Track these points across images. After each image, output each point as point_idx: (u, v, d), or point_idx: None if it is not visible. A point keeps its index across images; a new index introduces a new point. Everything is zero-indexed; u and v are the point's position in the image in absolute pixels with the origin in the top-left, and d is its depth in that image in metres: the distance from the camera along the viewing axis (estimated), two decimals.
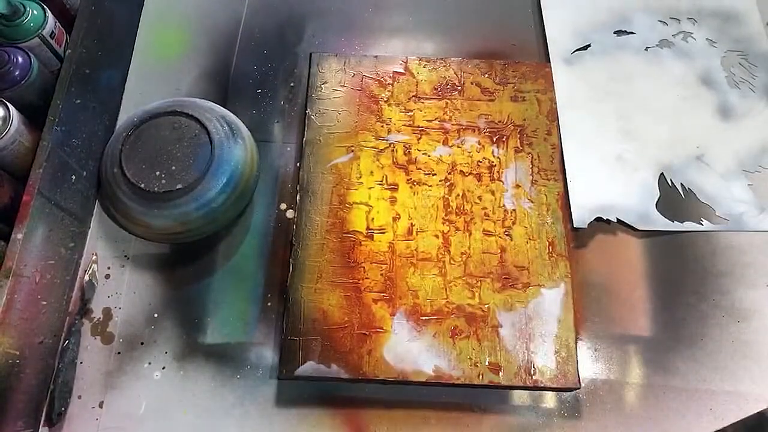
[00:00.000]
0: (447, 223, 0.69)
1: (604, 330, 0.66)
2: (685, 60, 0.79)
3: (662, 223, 0.70)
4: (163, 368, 0.64)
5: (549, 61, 0.79)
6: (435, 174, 0.71)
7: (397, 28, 0.82)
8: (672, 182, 0.72)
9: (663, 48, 0.80)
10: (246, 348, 0.65)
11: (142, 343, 0.65)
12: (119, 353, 0.65)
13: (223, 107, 0.73)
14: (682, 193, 0.71)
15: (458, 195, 0.70)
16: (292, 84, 0.78)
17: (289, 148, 0.74)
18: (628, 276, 0.68)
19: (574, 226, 0.70)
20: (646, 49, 0.80)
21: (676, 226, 0.70)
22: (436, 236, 0.68)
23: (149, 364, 0.64)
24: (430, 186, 0.71)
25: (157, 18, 0.82)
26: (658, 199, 0.71)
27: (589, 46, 0.80)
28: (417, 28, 0.82)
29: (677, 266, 0.69)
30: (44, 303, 0.61)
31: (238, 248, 0.70)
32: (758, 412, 0.59)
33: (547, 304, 0.65)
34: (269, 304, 0.67)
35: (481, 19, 0.82)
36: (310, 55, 0.77)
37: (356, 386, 0.63)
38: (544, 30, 0.81)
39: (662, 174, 0.72)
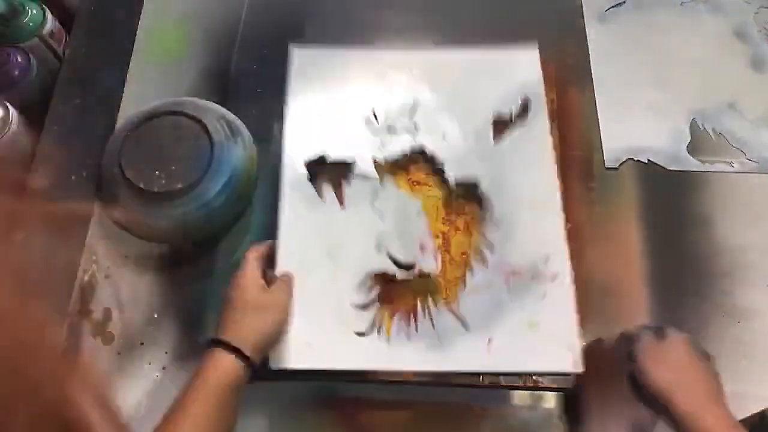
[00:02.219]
0: (447, 223, 0.69)
1: (604, 330, 0.66)
2: (719, 14, 0.81)
3: (692, 164, 0.73)
4: (164, 368, 0.64)
5: (551, 59, 0.79)
6: (435, 174, 0.71)
7: (397, 28, 0.82)
8: (703, 127, 0.74)
9: (698, 3, 0.82)
10: None
11: (142, 343, 0.65)
12: (119, 353, 0.65)
13: (223, 107, 0.73)
14: (713, 137, 0.74)
15: (458, 195, 0.70)
16: None
17: None
18: (628, 276, 0.68)
19: (606, 166, 0.73)
20: (682, 4, 0.82)
21: (706, 167, 0.73)
22: (437, 236, 0.68)
23: (149, 364, 0.64)
24: (430, 186, 0.71)
25: (157, 18, 0.82)
26: (689, 143, 0.74)
27: (624, 2, 0.82)
28: (417, 27, 0.82)
29: (677, 266, 0.69)
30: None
31: (238, 248, 0.70)
32: (758, 412, 0.59)
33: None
34: None
35: (481, 19, 0.82)
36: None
37: (356, 386, 0.63)
38: (543, 30, 0.81)
39: (694, 119, 0.75)
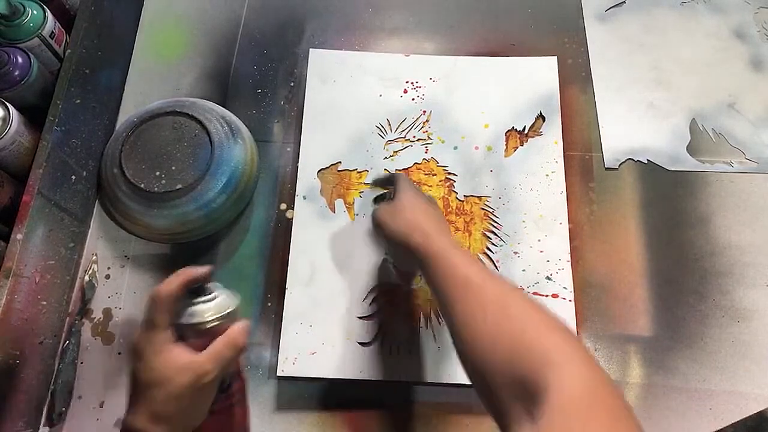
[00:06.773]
0: (447, 223, 0.69)
1: (604, 330, 0.66)
2: (719, 14, 0.81)
3: (692, 164, 0.73)
4: None
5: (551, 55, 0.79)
6: (435, 174, 0.71)
7: (397, 28, 0.82)
8: (703, 127, 0.74)
9: (698, 3, 0.82)
10: (246, 348, 0.65)
11: None
12: (119, 353, 0.65)
13: (223, 107, 0.73)
14: (712, 137, 0.74)
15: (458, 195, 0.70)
16: (292, 84, 0.78)
17: (289, 148, 0.74)
18: (628, 276, 0.68)
19: (606, 166, 0.72)
20: (682, 3, 0.82)
21: (705, 167, 0.73)
22: None
23: None
24: (430, 186, 0.71)
25: (157, 18, 0.82)
26: (689, 143, 0.74)
27: (624, 2, 0.82)
28: (417, 27, 0.82)
29: (677, 266, 0.69)
30: (44, 303, 0.61)
31: (238, 248, 0.70)
32: (758, 412, 0.59)
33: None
34: (269, 304, 0.67)
35: (481, 19, 0.82)
36: (309, 51, 0.77)
37: (356, 386, 0.63)
38: (542, 31, 0.81)
39: (693, 119, 0.75)
